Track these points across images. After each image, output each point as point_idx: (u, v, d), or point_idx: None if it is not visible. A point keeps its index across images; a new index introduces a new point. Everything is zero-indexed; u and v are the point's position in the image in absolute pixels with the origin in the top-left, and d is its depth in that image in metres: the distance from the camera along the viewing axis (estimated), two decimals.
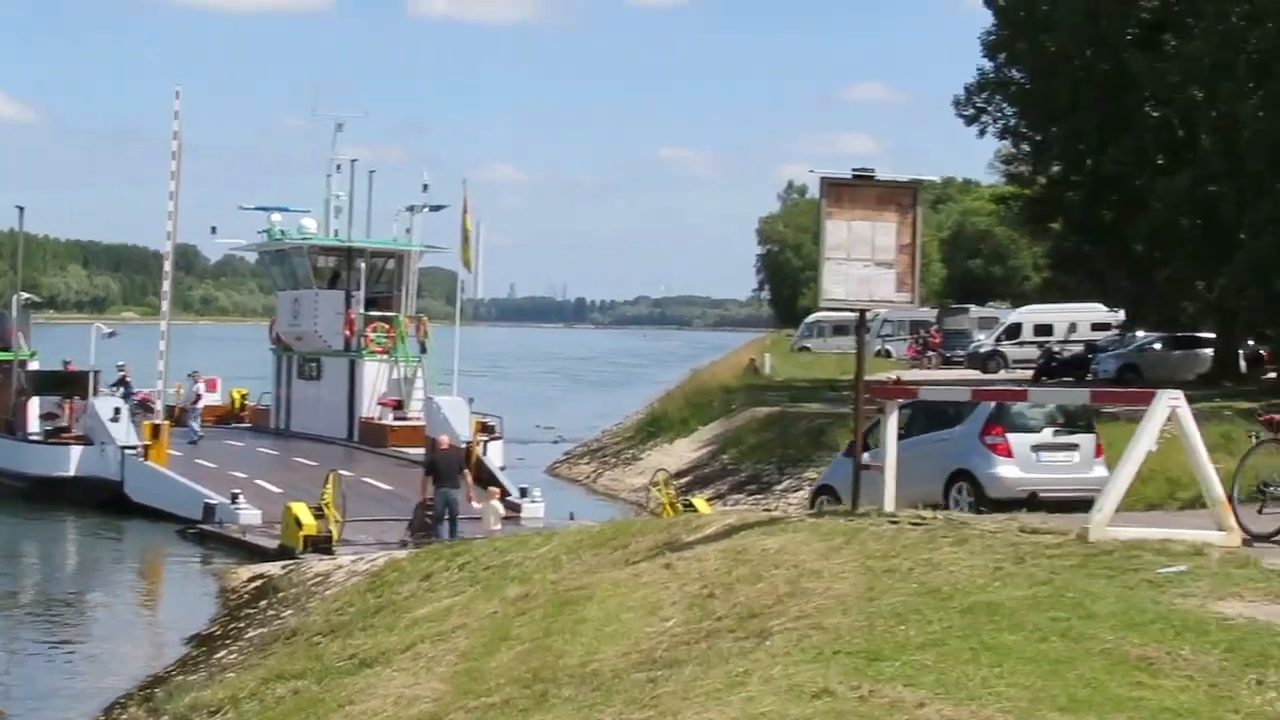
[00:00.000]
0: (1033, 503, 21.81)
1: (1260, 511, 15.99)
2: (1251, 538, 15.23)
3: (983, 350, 78.94)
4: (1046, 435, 25.07)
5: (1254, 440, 17.03)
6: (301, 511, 31.45)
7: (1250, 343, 67.43)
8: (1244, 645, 9.91)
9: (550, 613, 15.51)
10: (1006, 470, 23.85)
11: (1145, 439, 14.95)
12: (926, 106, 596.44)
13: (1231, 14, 45.47)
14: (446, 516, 31.38)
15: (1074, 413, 25.52)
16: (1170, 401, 14.98)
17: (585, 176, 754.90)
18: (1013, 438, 24.41)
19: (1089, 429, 25.64)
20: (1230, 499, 15.74)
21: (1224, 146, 48.27)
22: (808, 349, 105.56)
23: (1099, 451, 25.20)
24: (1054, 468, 24.70)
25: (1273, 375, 54.68)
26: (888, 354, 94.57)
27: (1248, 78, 45.03)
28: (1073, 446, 25.15)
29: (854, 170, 17.07)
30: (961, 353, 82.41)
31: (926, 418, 24.97)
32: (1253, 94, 44.48)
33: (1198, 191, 49.56)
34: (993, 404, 24.30)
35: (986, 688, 9.09)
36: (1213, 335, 62.15)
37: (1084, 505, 19.88)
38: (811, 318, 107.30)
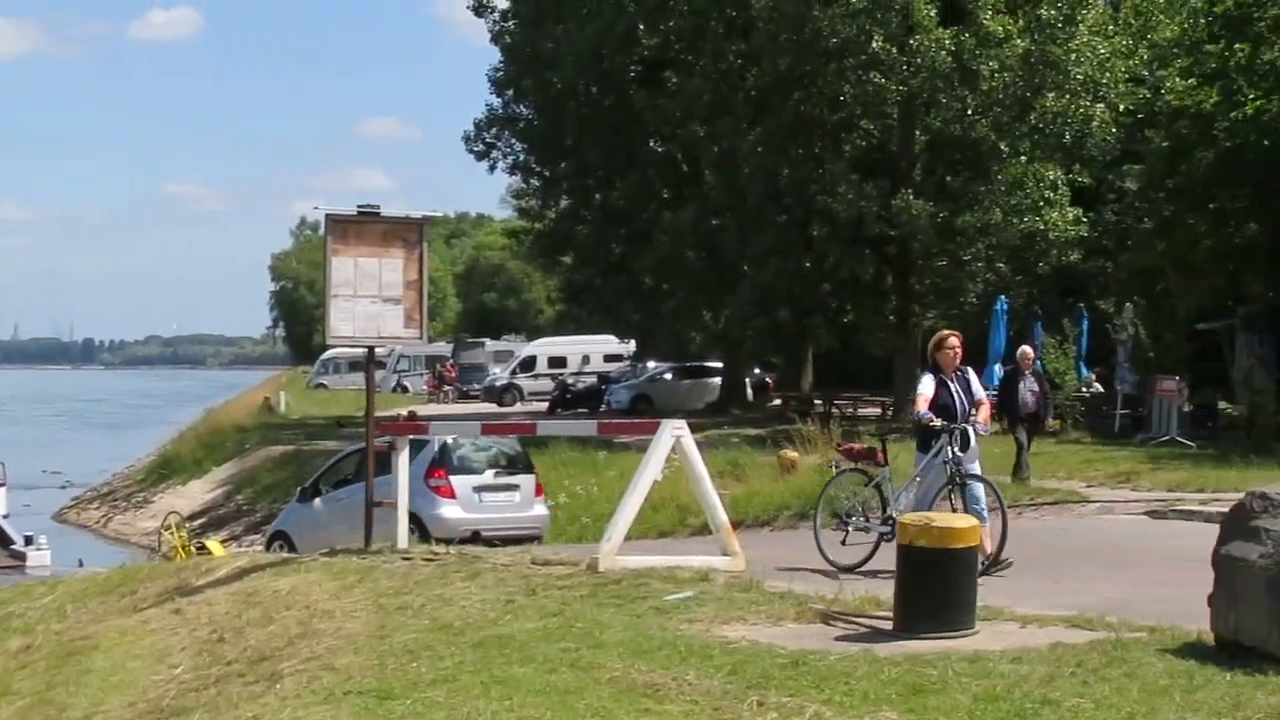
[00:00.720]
0: (475, 541, 22.17)
1: (844, 543, 16.31)
2: (837, 569, 15.60)
3: (498, 384, 79.65)
4: (488, 476, 25.89)
5: (835, 470, 17.64)
6: None
7: (756, 371, 69.86)
8: (746, 668, 10.14)
9: (54, 664, 14.90)
10: (449, 511, 24.39)
11: (650, 468, 15.24)
12: (441, 142, 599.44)
13: (729, 53, 46.98)
14: None
15: (514, 455, 26.66)
16: (674, 431, 15.31)
17: (92, 213, 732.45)
18: (455, 479, 25.14)
19: (529, 469, 26.74)
20: (814, 531, 16.73)
21: (725, 181, 49.74)
22: (324, 386, 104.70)
23: (539, 491, 26.59)
24: (495, 507, 25.48)
25: (778, 402, 56.62)
26: (405, 389, 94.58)
27: (746, 115, 46.54)
28: (513, 487, 26.05)
29: (359, 207, 16.96)
30: (478, 386, 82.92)
31: (377, 461, 25.33)
32: (751, 130, 45.95)
33: (702, 225, 50.93)
34: (436, 448, 24.81)
35: None
36: (720, 364, 64.11)
37: (526, 541, 20.63)
38: (326, 354, 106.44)
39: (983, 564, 14.45)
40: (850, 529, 16.43)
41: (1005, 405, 24.22)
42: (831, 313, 52.00)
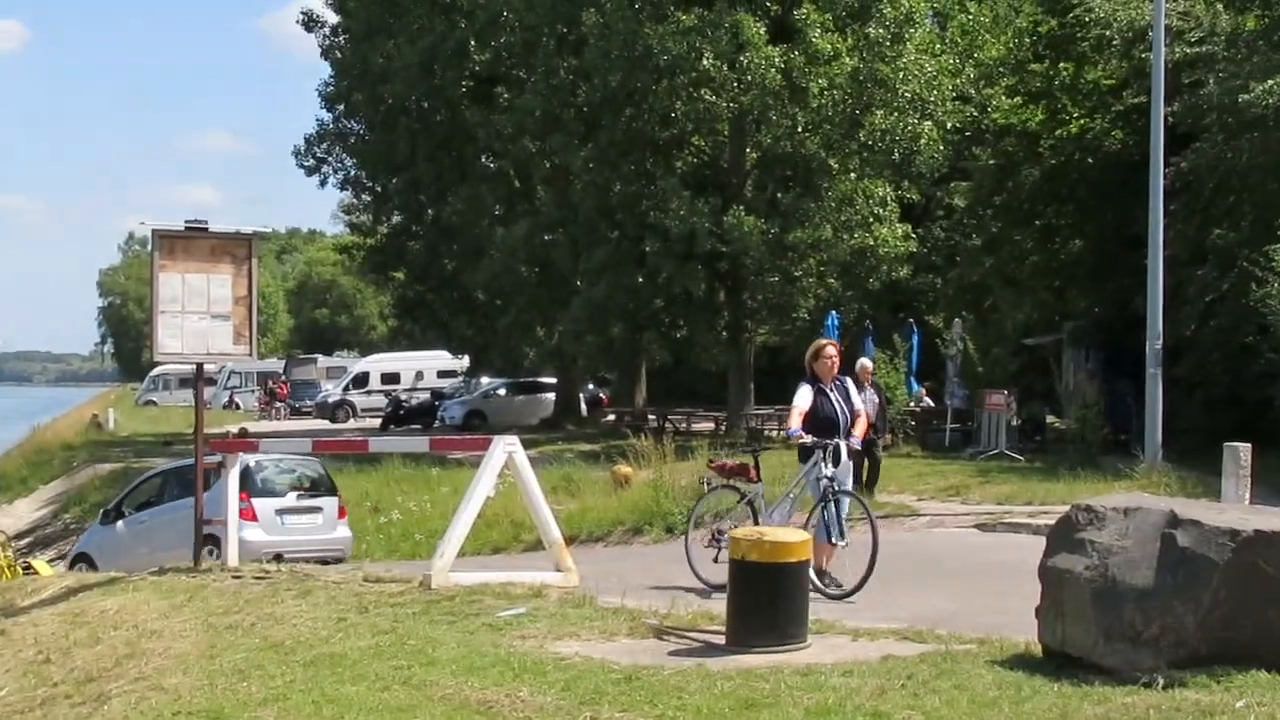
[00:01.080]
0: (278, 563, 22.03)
1: (716, 560, 15.67)
2: (710, 588, 15.36)
3: (331, 400, 79.11)
4: (290, 499, 25.92)
5: (706, 486, 17.31)
6: None
7: (590, 386, 69.89)
8: (579, 684, 10.12)
9: None
10: (252, 534, 23.92)
11: (483, 484, 15.18)
12: (274, 156, 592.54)
13: (560, 69, 46.96)
14: None
15: (317, 478, 26.70)
16: (507, 447, 15.26)
17: None
18: (257, 503, 24.97)
19: (332, 492, 26.74)
20: (686, 549, 16.50)
21: (558, 197, 49.75)
22: (154, 403, 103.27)
23: (342, 513, 26.57)
24: (298, 530, 25.50)
25: (612, 417, 56.69)
26: (236, 406, 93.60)
27: (578, 131, 46.55)
28: (316, 509, 26.09)
29: (187, 222, 16.73)
30: (310, 403, 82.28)
31: (179, 484, 25.25)
32: (583, 146, 45.96)
33: (534, 240, 50.84)
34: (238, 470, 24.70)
35: None
36: (554, 380, 64.08)
37: (329, 563, 20.44)
38: (156, 371, 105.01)
39: (827, 582, 14.66)
40: (723, 546, 15.48)
41: None
42: (665, 328, 52.11)
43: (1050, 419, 41.44)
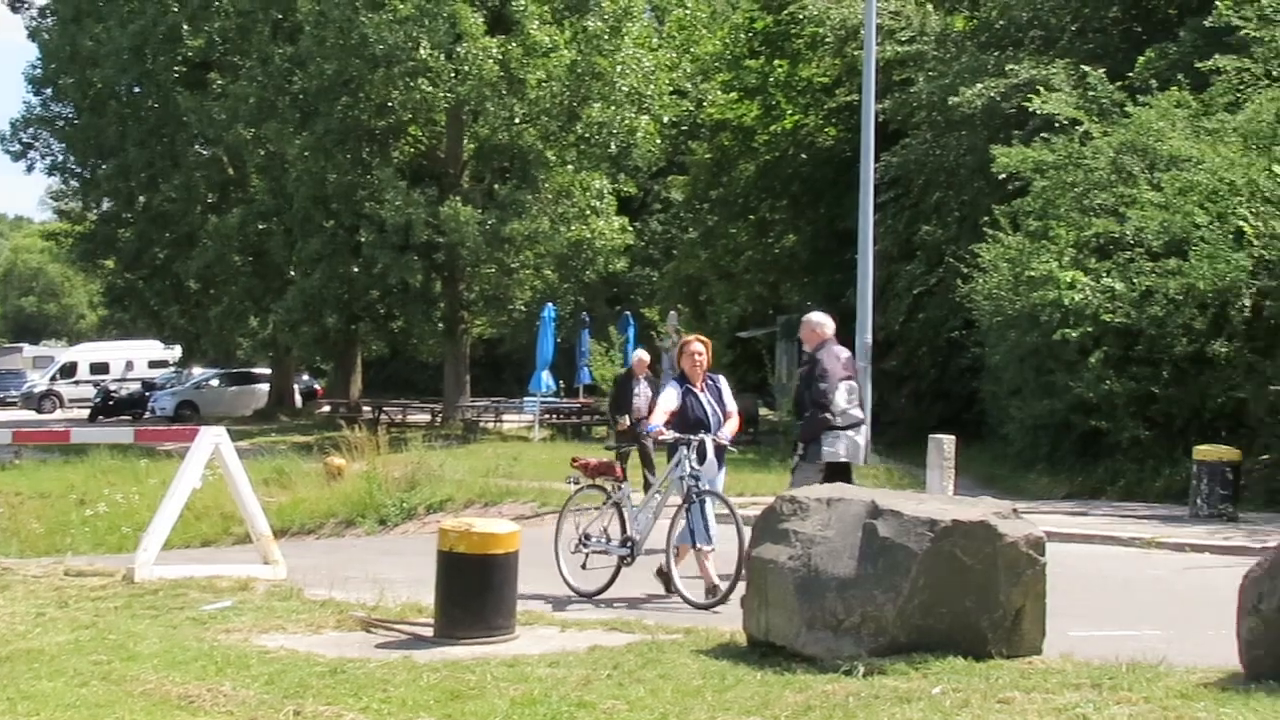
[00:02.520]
0: None
1: (584, 566, 14.76)
2: (579, 595, 14.30)
3: (37, 390, 77.01)
4: None
5: (573, 486, 15.71)
6: None
7: (305, 377, 69.10)
8: (284, 677, 9.97)
9: None
10: None
11: (188, 476, 14.89)
12: None
13: (275, 56, 46.27)
14: None
15: None
16: (213, 438, 14.99)
17: None
18: None
19: None
20: (555, 554, 14.88)
21: (272, 186, 49.04)
22: None
23: None
24: None
25: (326, 409, 56.11)
26: None
27: (293, 119, 45.91)
28: None
29: None
30: (15, 393, 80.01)
31: None
32: (298, 135, 45.37)
33: (248, 229, 50.10)
34: None
35: None
36: (268, 371, 63.24)
37: None
38: None
39: (709, 592, 13.69)
40: (589, 551, 14.79)
41: (617, 409, 23.73)
42: (380, 319, 51.74)
43: (764, 411, 42.05)
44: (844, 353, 15.59)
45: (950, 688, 9.20)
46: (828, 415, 15.15)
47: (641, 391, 22.60)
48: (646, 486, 19.78)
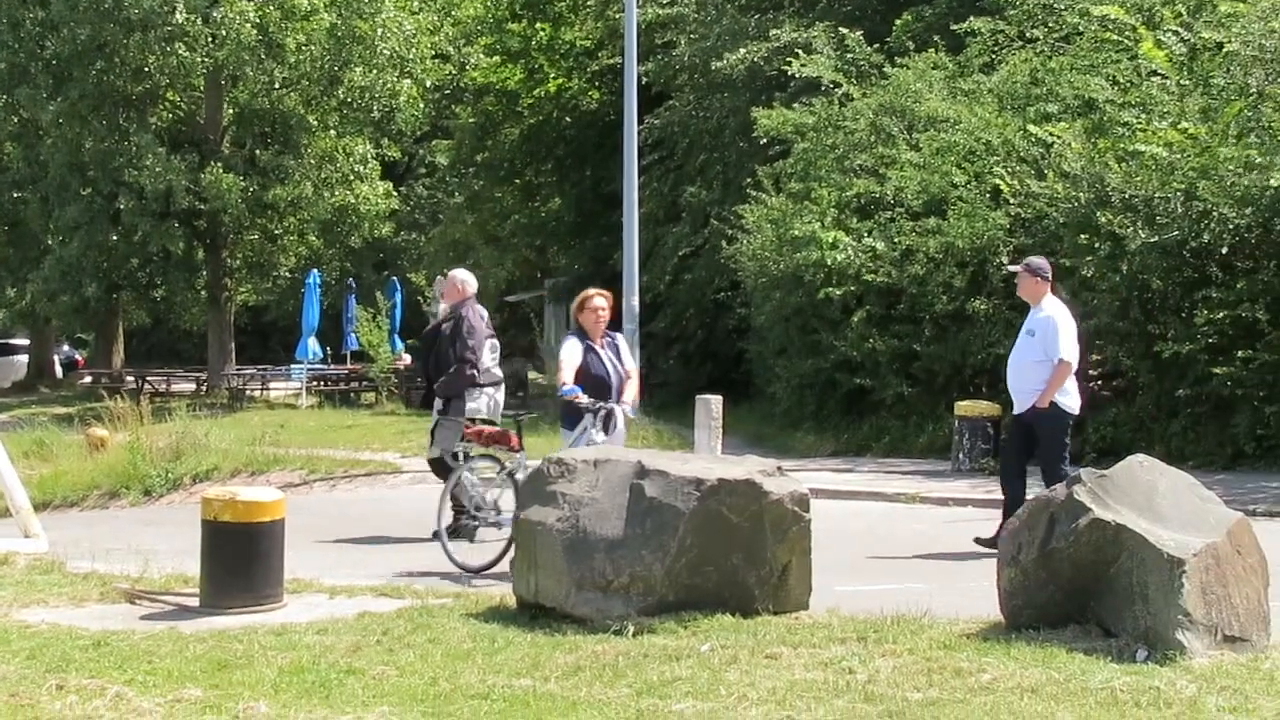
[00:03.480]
0: None
1: (473, 540, 14.11)
2: (465, 572, 13.39)
3: None
4: None
5: (462, 457, 14.73)
6: None
7: (66, 348, 67.65)
8: (45, 651, 9.79)
9: None
10: None
11: None
12: None
13: (26, 20, 45.06)
14: None
15: None
16: None
17: None
18: None
19: None
20: (439, 529, 14.18)
21: (27, 153, 47.87)
22: None
23: None
24: None
25: (88, 379, 54.93)
26: None
27: (46, 85, 44.78)
28: None
29: None
30: None
31: None
32: (52, 99, 44.28)
33: (4, 198, 48.89)
34: None
35: None
36: (27, 342, 61.79)
37: None
38: None
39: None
40: (479, 524, 14.14)
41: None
42: (142, 288, 50.79)
43: (532, 375, 42.13)
44: (484, 311, 16.17)
45: (719, 644, 9.34)
46: (474, 372, 15.58)
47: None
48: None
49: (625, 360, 14.14)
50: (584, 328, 14.02)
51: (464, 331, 15.59)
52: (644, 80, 32.41)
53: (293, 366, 43.80)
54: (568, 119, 43.66)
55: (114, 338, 56.80)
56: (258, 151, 45.10)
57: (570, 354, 13.76)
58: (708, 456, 15.80)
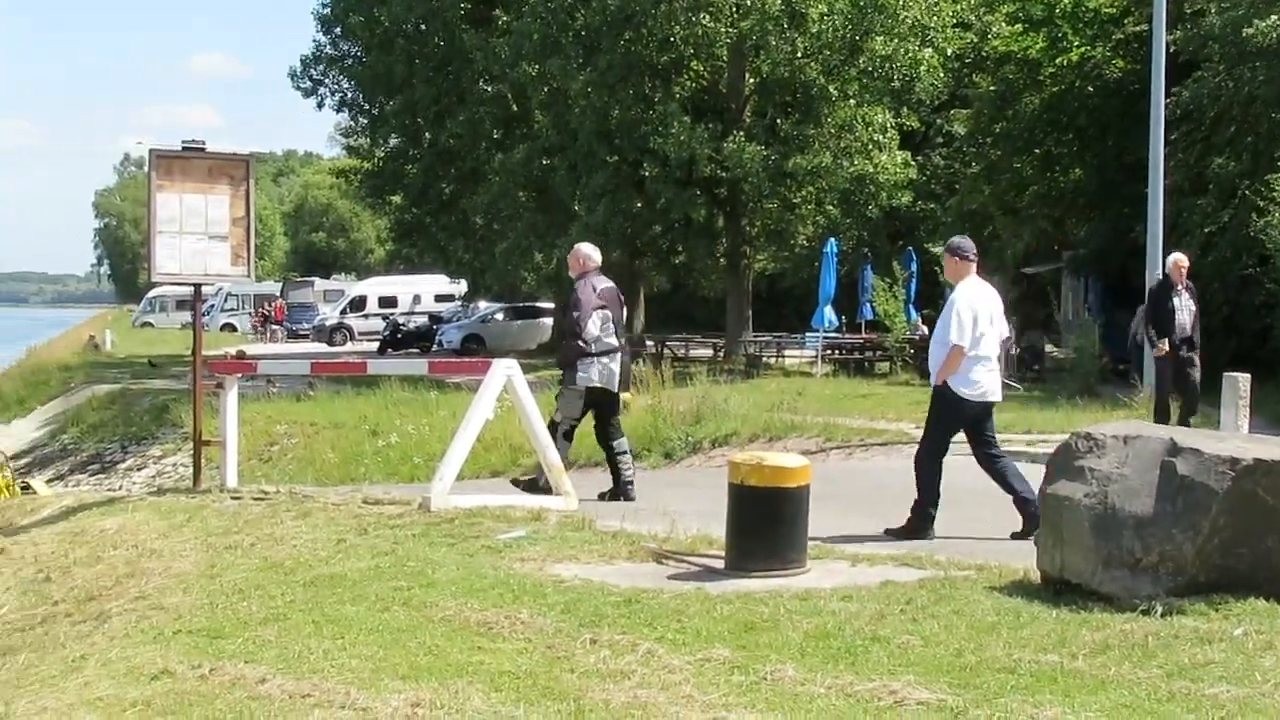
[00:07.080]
0: None
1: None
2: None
3: (328, 323, 79.14)
4: None
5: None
6: None
7: None
8: (579, 606, 10.13)
9: None
10: None
11: (481, 407, 15.16)
12: (270, 78, 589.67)
13: None
14: None
15: None
16: (506, 370, 15.25)
17: None
18: None
19: None
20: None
21: (556, 121, 49.49)
22: (150, 324, 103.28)
23: None
24: None
25: None
26: (233, 328, 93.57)
27: (576, 55, 46.25)
28: None
29: (184, 143, 16.66)
30: (307, 326, 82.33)
31: None
32: (582, 70, 45.71)
33: (533, 165, 50.62)
34: None
35: (329, 660, 8.97)
36: (552, 305, 64.02)
37: None
38: (153, 293, 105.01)
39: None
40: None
41: (1157, 324, 22.24)
42: (663, 254, 52.06)
43: (1049, 348, 41.43)
44: (603, 283, 16.74)
45: (1253, 629, 9.03)
46: (580, 343, 16.37)
47: (1182, 304, 21.77)
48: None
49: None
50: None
51: (572, 304, 16.65)
52: (1171, 48, 31.42)
53: (808, 334, 44.17)
54: (1090, 88, 42.63)
55: (635, 302, 58.36)
56: (778, 121, 45.54)
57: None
58: (1240, 435, 15.28)
